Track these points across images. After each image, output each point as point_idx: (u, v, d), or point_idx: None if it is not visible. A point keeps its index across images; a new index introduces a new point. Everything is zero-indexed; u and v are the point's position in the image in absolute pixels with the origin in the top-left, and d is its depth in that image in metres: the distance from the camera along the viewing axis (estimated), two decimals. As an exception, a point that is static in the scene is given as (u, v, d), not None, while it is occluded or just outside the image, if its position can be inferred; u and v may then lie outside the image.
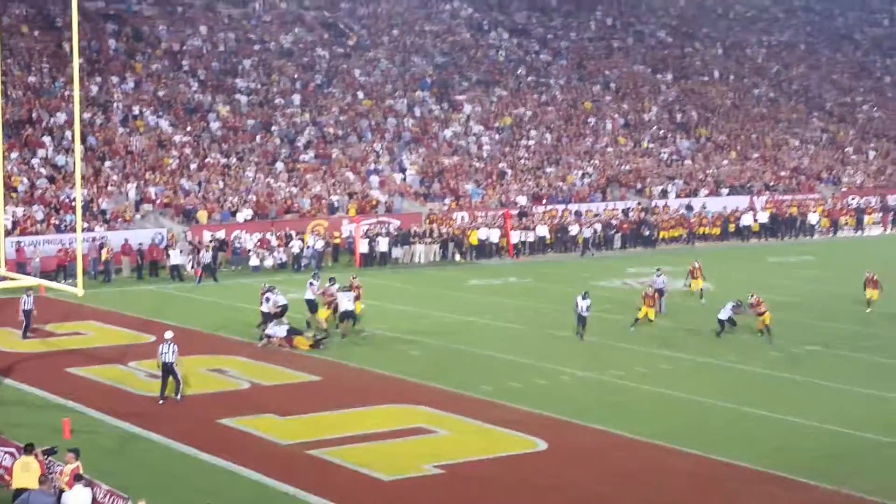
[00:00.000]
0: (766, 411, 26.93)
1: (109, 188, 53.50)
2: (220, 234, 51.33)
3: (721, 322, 35.67)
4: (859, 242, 64.82)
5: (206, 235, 50.92)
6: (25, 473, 18.25)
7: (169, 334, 28.14)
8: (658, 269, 41.68)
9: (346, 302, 35.47)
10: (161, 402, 27.52)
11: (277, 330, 34.26)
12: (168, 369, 27.56)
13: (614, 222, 60.01)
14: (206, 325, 36.92)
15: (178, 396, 27.72)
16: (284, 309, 35.45)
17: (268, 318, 34.93)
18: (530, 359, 32.57)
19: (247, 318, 35.58)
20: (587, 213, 61.38)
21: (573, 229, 58.46)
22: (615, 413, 26.75)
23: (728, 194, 68.16)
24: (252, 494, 20.92)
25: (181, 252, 48.85)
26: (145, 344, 34.47)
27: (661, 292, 40.12)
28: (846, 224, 67.61)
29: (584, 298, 35.19)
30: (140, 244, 49.14)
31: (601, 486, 21.61)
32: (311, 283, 37.03)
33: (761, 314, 35.15)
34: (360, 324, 36.09)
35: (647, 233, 60.24)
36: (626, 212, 62.53)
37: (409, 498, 21.00)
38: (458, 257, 55.14)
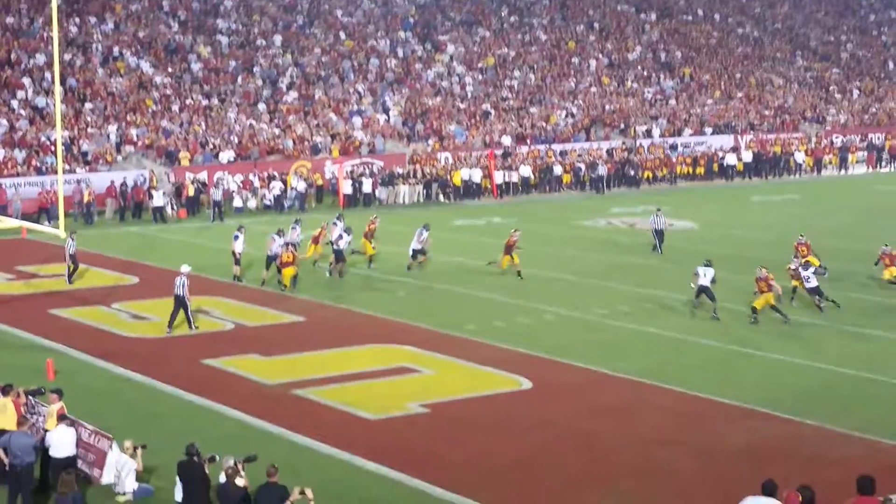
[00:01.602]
0: (751, 349, 27.02)
1: (90, 130, 53.12)
2: (203, 176, 51.06)
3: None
4: (843, 181, 64.85)
5: (221, 175, 51.49)
6: (2, 415, 18.16)
7: (185, 268, 28.74)
8: (658, 209, 41.06)
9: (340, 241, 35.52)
10: (168, 332, 28.15)
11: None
12: (180, 301, 28.14)
13: (598, 162, 59.88)
14: (190, 267, 36.73)
15: (192, 328, 28.42)
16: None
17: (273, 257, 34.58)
18: (514, 298, 32.58)
19: (230, 259, 35.40)
20: (591, 151, 61.58)
21: (557, 169, 58.37)
22: (599, 351, 26.79)
23: (712, 133, 68.07)
24: (236, 433, 20.90)
25: (164, 193, 48.66)
26: (128, 285, 34.48)
27: (660, 233, 39.62)
28: (830, 163, 67.56)
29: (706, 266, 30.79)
30: (122, 185, 48.87)
31: (586, 423, 21.65)
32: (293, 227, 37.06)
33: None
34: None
35: (631, 172, 60.17)
36: (610, 151, 62.40)
37: (395, 437, 21.01)
38: (441, 198, 55.04)
